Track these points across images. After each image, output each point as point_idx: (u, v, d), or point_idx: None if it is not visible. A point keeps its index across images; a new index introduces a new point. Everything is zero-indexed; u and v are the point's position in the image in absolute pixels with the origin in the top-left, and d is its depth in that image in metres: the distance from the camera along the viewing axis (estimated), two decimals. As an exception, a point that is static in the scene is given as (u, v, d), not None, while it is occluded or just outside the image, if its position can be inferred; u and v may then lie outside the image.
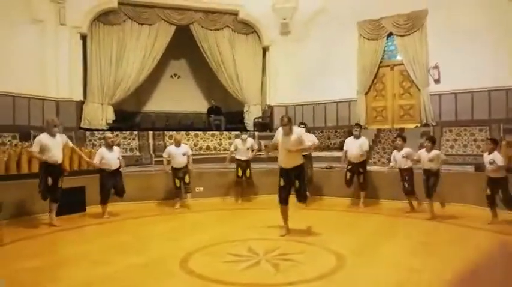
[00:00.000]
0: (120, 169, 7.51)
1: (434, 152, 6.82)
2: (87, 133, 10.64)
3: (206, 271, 4.27)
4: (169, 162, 8.19)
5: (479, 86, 10.24)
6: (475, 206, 7.11)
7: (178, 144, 8.31)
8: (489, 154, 6.29)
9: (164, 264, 4.53)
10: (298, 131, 5.67)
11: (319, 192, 8.94)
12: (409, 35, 11.09)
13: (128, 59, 11.62)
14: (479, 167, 7.60)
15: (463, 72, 10.24)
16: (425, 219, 6.72)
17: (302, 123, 8.91)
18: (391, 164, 7.63)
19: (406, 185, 7.32)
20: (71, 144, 6.99)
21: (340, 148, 9.32)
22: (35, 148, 6.25)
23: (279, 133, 5.61)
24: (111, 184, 7.27)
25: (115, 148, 7.50)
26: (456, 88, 10.58)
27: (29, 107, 10.04)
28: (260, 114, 13.21)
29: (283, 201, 5.79)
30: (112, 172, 7.27)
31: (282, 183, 5.77)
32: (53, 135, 6.38)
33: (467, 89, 10.43)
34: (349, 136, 10.21)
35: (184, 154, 8.20)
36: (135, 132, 11.26)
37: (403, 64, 11.37)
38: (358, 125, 8.67)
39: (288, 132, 5.49)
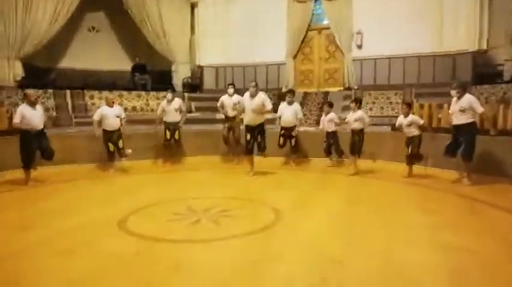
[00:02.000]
0: (45, 130, 6.77)
1: (359, 113, 7.32)
2: (-8, 90, 9.39)
3: (146, 230, 4.19)
4: (100, 124, 7.61)
5: (396, 53, 11.07)
6: (391, 162, 7.85)
7: (111, 105, 7.74)
8: (405, 117, 6.92)
9: (102, 225, 4.33)
10: (262, 95, 6.93)
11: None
12: (336, -1, 11.41)
13: (38, 7, 10.28)
14: (395, 127, 8.38)
15: (382, 39, 10.96)
16: (350, 174, 7.27)
17: (231, 84, 8.84)
18: (320, 127, 8.05)
19: (334, 146, 7.85)
20: None
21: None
22: None
23: (246, 96, 6.89)
24: (36, 147, 6.50)
25: (38, 106, 6.70)
26: (376, 54, 11.31)
27: None
28: (189, 74, 12.81)
29: (249, 151, 7.23)
30: (36, 132, 6.49)
31: (248, 138, 7.12)
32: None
33: (385, 55, 11.22)
34: (279, 99, 10.49)
35: (117, 116, 7.68)
36: (50, 91, 10.21)
37: (329, 28, 11.75)
38: (291, 91, 8.83)
39: (254, 95, 6.79)
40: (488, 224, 4.39)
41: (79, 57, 12.32)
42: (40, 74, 11.13)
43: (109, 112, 7.62)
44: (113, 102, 7.87)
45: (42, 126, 6.58)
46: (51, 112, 9.86)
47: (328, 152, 8.12)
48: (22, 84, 9.88)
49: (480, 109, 6.07)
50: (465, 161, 6.18)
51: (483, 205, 5.16)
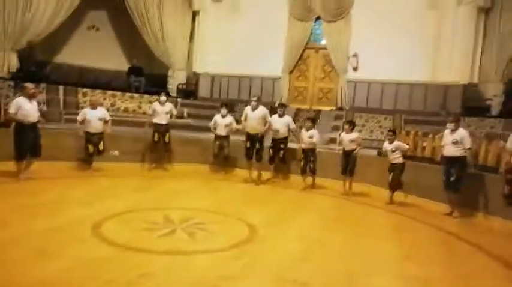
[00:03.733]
0: (39, 125, 6.77)
1: (354, 134, 7.44)
2: (-16, 81, 9.37)
3: (119, 237, 4.19)
4: (83, 125, 7.62)
5: (389, 78, 11.25)
6: (375, 186, 7.92)
7: (94, 106, 7.75)
8: (390, 143, 7.02)
9: (74, 229, 4.32)
10: (263, 109, 7.91)
11: (235, 164, 8.94)
12: (335, 21, 11.61)
13: (39, 1, 10.31)
14: (381, 153, 8.48)
15: (377, 63, 11.13)
16: (343, 193, 7.39)
17: (224, 104, 8.72)
18: (300, 144, 8.01)
19: (311, 166, 7.72)
20: None
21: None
22: None
23: (248, 109, 7.87)
24: (29, 139, 6.48)
25: (34, 101, 6.70)
26: (370, 78, 11.48)
27: None
28: (185, 81, 12.87)
29: (249, 157, 7.98)
30: (31, 125, 6.50)
31: (248, 145, 7.94)
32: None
33: (379, 79, 11.39)
34: (271, 113, 10.54)
35: (100, 119, 7.68)
36: (43, 85, 10.20)
37: (326, 49, 11.92)
38: (282, 105, 8.93)
39: (255, 108, 7.80)
40: (454, 257, 4.46)
41: (76, 54, 12.29)
42: (35, 67, 11.07)
43: (92, 114, 7.63)
44: (98, 104, 7.87)
45: (36, 120, 6.60)
46: (42, 106, 9.79)
47: (314, 172, 7.95)
48: (15, 77, 9.85)
49: (469, 145, 6.22)
50: (453, 192, 6.26)
51: (453, 237, 5.25)
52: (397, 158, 6.97)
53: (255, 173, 8.04)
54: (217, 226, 4.92)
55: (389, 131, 7.40)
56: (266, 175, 8.43)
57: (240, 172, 8.53)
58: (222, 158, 8.73)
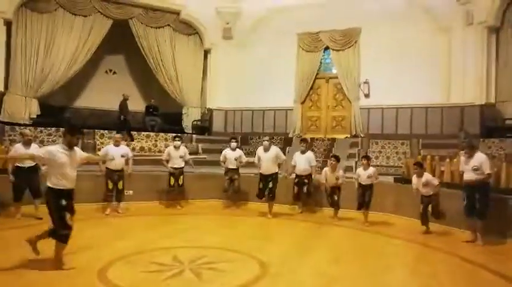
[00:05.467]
0: (41, 168, 6.98)
1: (372, 169, 7.26)
2: (7, 127, 9.81)
3: (125, 281, 4.13)
4: (105, 162, 7.77)
5: (403, 103, 11.11)
6: (394, 215, 7.64)
7: (117, 144, 7.91)
8: (418, 176, 6.65)
9: (80, 274, 4.29)
10: (275, 148, 8.02)
11: (247, 198, 8.87)
12: (344, 50, 11.72)
13: (58, 50, 10.94)
14: (398, 179, 8.24)
15: (390, 89, 11.06)
16: (365, 226, 7.11)
17: (233, 138, 8.94)
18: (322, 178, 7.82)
19: (336, 199, 7.61)
20: None
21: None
22: None
23: (260, 150, 7.93)
24: (26, 182, 6.82)
25: (33, 145, 6.97)
26: (383, 103, 11.37)
27: None
28: (199, 117, 13.10)
29: (260, 197, 7.98)
30: (27, 169, 6.79)
31: (260, 185, 7.92)
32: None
33: (392, 105, 11.26)
34: (285, 145, 10.55)
35: (123, 156, 7.81)
36: (62, 129, 10.57)
37: (337, 77, 11.97)
38: (304, 140, 8.74)
39: (267, 148, 7.83)
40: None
41: (94, 98, 12.84)
42: (55, 112, 11.56)
43: (114, 151, 7.76)
44: (120, 141, 8.01)
45: (33, 164, 6.84)
46: (61, 150, 10.14)
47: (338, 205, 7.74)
48: (36, 123, 10.27)
49: (489, 170, 5.87)
50: (480, 220, 5.92)
51: (477, 266, 4.92)
52: (430, 191, 6.58)
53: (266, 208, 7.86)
54: (226, 265, 4.78)
55: (414, 164, 6.98)
56: (284, 209, 8.30)
57: (252, 206, 8.45)
58: (232, 191, 8.68)
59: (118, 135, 8.27)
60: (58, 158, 4.35)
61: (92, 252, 5.16)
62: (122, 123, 11.29)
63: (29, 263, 4.60)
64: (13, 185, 6.83)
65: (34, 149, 6.89)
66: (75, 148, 4.62)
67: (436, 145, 9.85)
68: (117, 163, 7.75)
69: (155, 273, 4.41)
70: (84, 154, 4.99)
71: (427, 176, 6.65)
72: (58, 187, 4.37)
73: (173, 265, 4.68)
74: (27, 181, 6.86)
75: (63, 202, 4.36)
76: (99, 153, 7.99)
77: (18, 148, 6.79)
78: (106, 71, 13.43)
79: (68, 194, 4.44)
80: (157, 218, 7.78)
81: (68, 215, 4.39)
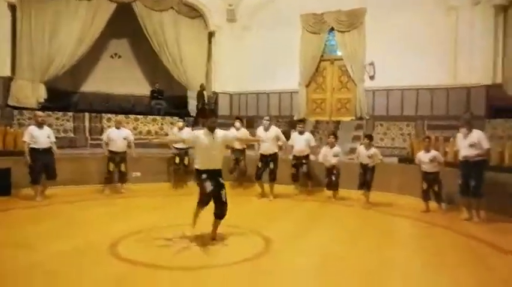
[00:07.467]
0: (53, 150, 7.19)
1: (373, 150, 7.28)
2: (15, 112, 9.96)
3: (136, 255, 4.28)
4: (107, 145, 7.96)
5: (408, 84, 11.06)
6: (399, 194, 7.71)
7: (118, 126, 8.10)
8: (426, 152, 6.76)
9: (93, 250, 4.46)
10: (275, 128, 8.03)
11: (253, 179, 8.82)
12: (349, 31, 11.61)
13: (63, 34, 10.94)
14: (402, 159, 8.29)
15: (395, 70, 10.98)
16: (363, 207, 7.16)
17: (238, 118, 8.94)
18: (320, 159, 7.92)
19: (333, 179, 7.68)
20: None
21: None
22: None
23: (260, 129, 7.96)
24: (42, 164, 6.96)
25: (45, 127, 7.15)
26: (388, 85, 11.32)
27: None
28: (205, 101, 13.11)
29: (258, 177, 7.98)
30: (42, 151, 6.94)
31: (259, 165, 7.92)
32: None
33: (398, 86, 11.21)
34: (289, 127, 10.56)
35: (124, 138, 8.01)
36: (70, 113, 10.72)
37: (342, 59, 11.91)
38: (302, 120, 8.85)
39: (267, 128, 7.89)
40: (480, 262, 4.26)
41: (100, 82, 12.90)
42: (62, 97, 11.67)
43: (115, 134, 7.96)
44: (120, 124, 8.26)
45: (48, 145, 6.99)
46: (69, 134, 10.33)
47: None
48: (44, 107, 10.39)
49: (487, 145, 5.96)
50: (476, 197, 6.02)
51: (484, 245, 5.00)
52: (434, 167, 6.70)
53: (268, 189, 7.93)
54: (233, 240, 4.93)
55: (425, 136, 7.20)
56: (288, 189, 8.40)
57: (258, 187, 8.54)
58: (239, 172, 8.78)
59: (119, 118, 8.53)
60: (201, 141, 4.73)
61: (101, 229, 5.38)
62: (200, 111, 12.03)
63: (44, 238, 4.78)
64: (30, 167, 6.95)
65: (46, 129, 7.13)
66: (217, 130, 4.88)
67: (441, 127, 9.83)
68: (119, 145, 7.96)
69: (164, 247, 4.58)
70: (230, 136, 5.34)
71: (434, 152, 6.74)
72: (204, 168, 4.74)
73: (181, 240, 4.83)
74: (43, 162, 6.99)
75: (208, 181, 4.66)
76: (102, 137, 8.16)
77: (32, 129, 6.97)
78: (111, 56, 13.45)
79: (213, 173, 4.78)
80: (162, 198, 7.95)
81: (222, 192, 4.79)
